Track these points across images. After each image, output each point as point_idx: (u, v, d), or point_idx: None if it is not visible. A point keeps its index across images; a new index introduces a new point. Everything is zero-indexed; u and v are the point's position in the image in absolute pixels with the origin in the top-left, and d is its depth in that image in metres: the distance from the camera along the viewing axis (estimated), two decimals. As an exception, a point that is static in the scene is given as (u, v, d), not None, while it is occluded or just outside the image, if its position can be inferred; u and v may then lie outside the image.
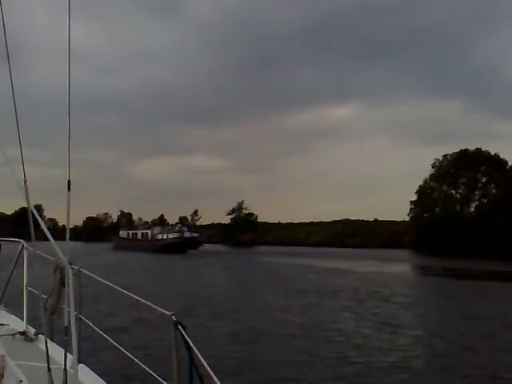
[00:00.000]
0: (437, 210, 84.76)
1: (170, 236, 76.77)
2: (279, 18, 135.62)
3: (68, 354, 3.10)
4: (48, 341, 3.49)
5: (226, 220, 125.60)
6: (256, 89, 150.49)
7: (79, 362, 3.71)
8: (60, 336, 3.52)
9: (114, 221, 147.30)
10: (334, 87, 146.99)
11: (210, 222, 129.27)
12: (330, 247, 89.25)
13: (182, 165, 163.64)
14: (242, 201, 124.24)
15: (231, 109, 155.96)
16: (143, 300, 3.96)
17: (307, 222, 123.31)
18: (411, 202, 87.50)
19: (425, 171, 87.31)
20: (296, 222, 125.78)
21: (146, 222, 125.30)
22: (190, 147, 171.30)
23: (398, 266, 49.66)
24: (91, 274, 4.63)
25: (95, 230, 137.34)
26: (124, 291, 4.31)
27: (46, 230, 3.21)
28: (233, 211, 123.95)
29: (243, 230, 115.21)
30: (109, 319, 15.33)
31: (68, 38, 3.03)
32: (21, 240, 5.69)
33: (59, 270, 3.60)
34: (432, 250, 69.52)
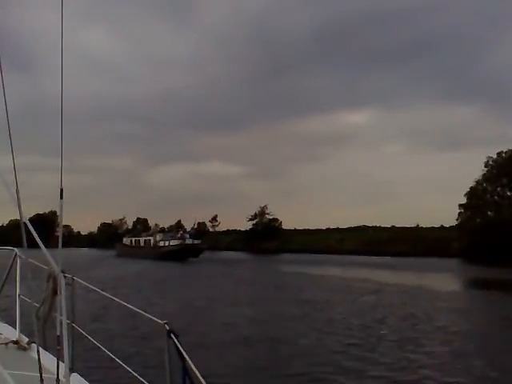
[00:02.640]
0: (489, 213, 73.95)
1: (172, 243, 75.20)
2: (293, 24, 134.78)
3: (61, 363, 3.18)
4: (41, 350, 3.54)
5: (245, 226, 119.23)
6: (270, 95, 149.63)
7: (72, 371, 3.89)
8: (53, 345, 3.55)
9: (130, 227, 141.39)
10: (349, 93, 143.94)
11: (226, 229, 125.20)
12: (365, 255, 79.21)
13: (197, 171, 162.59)
14: (265, 206, 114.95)
15: (246, 115, 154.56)
16: (136, 309, 3.97)
17: (333, 227, 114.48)
18: (460, 205, 76.85)
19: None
20: (319, 228, 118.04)
21: (163, 228, 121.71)
22: (204, 154, 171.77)
23: (449, 278, 42.46)
24: (84, 283, 4.63)
25: (110, 237, 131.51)
26: (117, 300, 4.34)
27: (37, 239, 3.23)
28: (255, 217, 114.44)
29: (266, 237, 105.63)
30: (102, 328, 15.33)
31: (61, 44, 3.12)
32: (14, 248, 5.62)
33: (52, 278, 3.56)
34: (485, 259, 59.24)
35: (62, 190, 3.10)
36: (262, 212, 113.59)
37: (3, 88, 3.07)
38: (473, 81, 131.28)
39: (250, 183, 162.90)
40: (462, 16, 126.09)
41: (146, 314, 3.71)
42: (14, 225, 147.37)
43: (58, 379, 3.13)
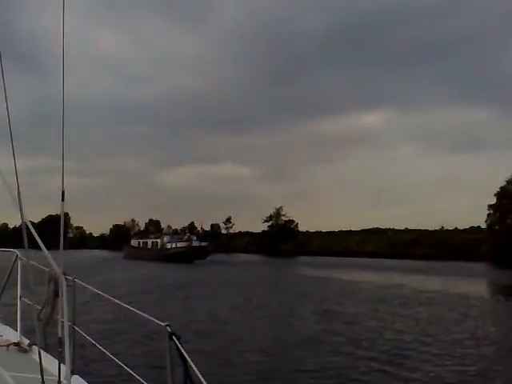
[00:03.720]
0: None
1: (179, 245, 74.52)
2: (305, 25, 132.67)
3: (62, 366, 3.19)
4: (42, 352, 3.50)
5: (259, 228, 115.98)
6: (283, 96, 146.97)
7: (73, 373, 3.83)
8: (54, 347, 3.51)
9: (142, 228, 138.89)
10: (362, 94, 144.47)
11: (239, 231, 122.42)
12: (387, 258, 75.14)
13: (209, 173, 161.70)
14: (281, 207, 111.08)
15: (258, 117, 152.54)
16: (138, 311, 3.94)
17: (348, 229, 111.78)
18: (489, 206, 72.36)
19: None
20: (333, 230, 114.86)
21: (176, 230, 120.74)
22: (217, 155, 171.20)
23: (490, 286, 38.81)
24: (86, 285, 4.54)
25: (122, 238, 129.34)
26: (119, 302, 4.30)
27: (39, 241, 3.24)
28: (270, 218, 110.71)
29: (282, 239, 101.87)
30: (104, 330, 15.12)
31: (62, 45, 3.21)
32: (15, 250, 5.60)
33: (53, 280, 3.59)
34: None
35: (63, 192, 3.19)
36: (278, 213, 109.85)
37: (4, 89, 3.12)
38: (488, 82, 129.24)
39: (263, 185, 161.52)
40: (478, 17, 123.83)
41: (148, 316, 3.64)
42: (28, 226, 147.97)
43: (59, 381, 3.18)
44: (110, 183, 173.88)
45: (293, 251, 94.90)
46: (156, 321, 3.38)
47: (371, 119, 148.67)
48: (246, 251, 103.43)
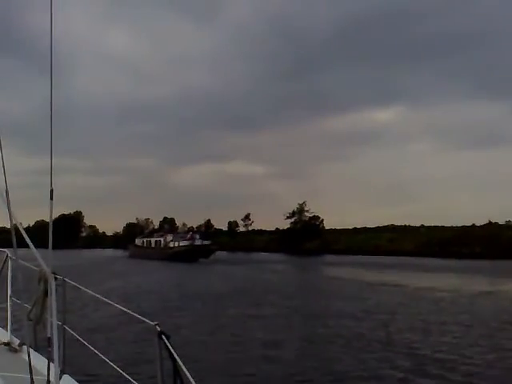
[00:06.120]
0: None
1: (182, 244, 73.75)
2: (317, 21, 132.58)
3: (52, 365, 3.20)
4: (32, 352, 3.58)
5: (276, 226, 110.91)
6: (295, 93, 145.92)
7: (64, 373, 4.04)
8: (45, 347, 3.44)
9: (156, 227, 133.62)
10: (375, 91, 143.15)
11: (252, 228, 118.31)
12: (425, 257, 67.35)
13: (222, 171, 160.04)
14: (304, 202, 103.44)
15: (270, 114, 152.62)
16: (128, 310, 3.90)
17: (368, 227, 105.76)
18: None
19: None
20: (352, 227, 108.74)
21: (191, 228, 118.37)
22: (229, 153, 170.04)
23: None
24: (76, 285, 4.48)
25: (135, 237, 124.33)
26: (109, 302, 4.25)
27: (28, 240, 3.21)
28: (293, 214, 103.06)
29: (305, 237, 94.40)
30: (94, 329, 14.96)
31: (50, 48, 3.12)
32: (5, 250, 5.63)
33: (43, 280, 3.53)
34: None
35: (51, 191, 3.16)
36: (301, 209, 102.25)
37: None
38: (501, 78, 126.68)
39: (276, 183, 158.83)
40: (491, 13, 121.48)
41: (138, 316, 3.61)
42: (41, 226, 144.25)
43: (48, 381, 3.19)
44: (124, 182, 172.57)
45: (318, 250, 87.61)
46: (146, 320, 3.32)
47: (385, 115, 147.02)
48: (266, 250, 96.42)
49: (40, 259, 3.27)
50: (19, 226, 3.28)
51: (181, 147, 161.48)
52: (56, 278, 3.52)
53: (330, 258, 73.39)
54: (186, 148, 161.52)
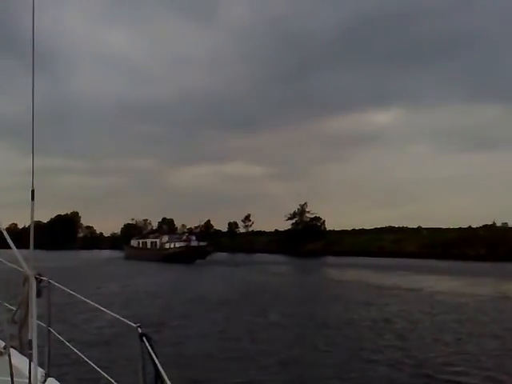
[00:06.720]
0: None
1: (177, 245, 72.48)
2: (316, 22, 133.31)
3: (39, 368, 3.32)
4: (17, 354, 3.59)
5: (275, 227, 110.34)
6: (294, 95, 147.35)
7: (49, 376, 3.90)
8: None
9: (155, 227, 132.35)
10: (373, 92, 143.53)
11: (252, 230, 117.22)
12: (429, 259, 66.30)
13: (222, 172, 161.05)
14: (305, 203, 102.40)
15: (269, 115, 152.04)
16: (110, 312, 3.84)
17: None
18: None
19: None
20: (351, 228, 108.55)
21: (190, 229, 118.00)
22: (229, 155, 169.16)
23: None
24: (61, 286, 4.33)
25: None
26: (93, 303, 4.18)
27: (9, 240, 3.20)
28: (293, 215, 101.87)
29: (307, 238, 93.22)
30: (79, 331, 15.06)
31: (32, 47, 3.24)
32: None
33: (28, 281, 3.50)
34: None
35: (33, 191, 3.14)
36: (303, 210, 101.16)
37: None
38: (499, 81, 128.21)
39: (276, 184, 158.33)
40: (490, 15, 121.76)
41: (120, 317, 3.56)
42: (35, 227, 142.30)
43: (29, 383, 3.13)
44: (122, 183, 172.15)
45: (320, 251, 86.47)
46: (127, 322, 3.28)
47: (385, 117, 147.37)
48: (266, 251, 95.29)
49: (22, 261, 3.23)
50: (1, 227, 3.24)
51: (180, 148, 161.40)
52: (41, 280, 3.54)
53: (332, 259, 72.42)
54: (186, 149, 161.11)
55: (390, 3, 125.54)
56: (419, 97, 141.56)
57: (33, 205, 3.14)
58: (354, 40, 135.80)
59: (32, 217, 3.13)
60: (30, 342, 3.10)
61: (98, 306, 4.06)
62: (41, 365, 3.31)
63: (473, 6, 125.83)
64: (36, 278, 3.51)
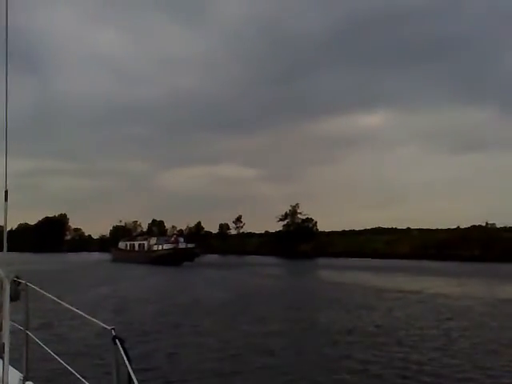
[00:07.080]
0: None
1: (165, 247, 71.76)
2: (306, 25, 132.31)
3: (17, 372, 3.40)
4: None
5: (266, 229, 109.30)
6: (285, 96, 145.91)
7: (27, 379, 3.91)
8: (12, 354, 3.39)
9: (145, 229, 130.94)
10: (363, 94, 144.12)
11: (243, 231, 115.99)
12: (422, 260, 65.85)
13: (213, 174, 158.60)
14: (297, 204, 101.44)
15: (260, 117, 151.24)
16: (85, 314, 3.74)
17: (357, 229, 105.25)
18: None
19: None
20: (341, 229, 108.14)
21: (180, 231, 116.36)
22: (220, 156, 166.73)
23: None
24: (38, 289, 4.28)
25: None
26: (68, 306, 4.11)
27: None
28: (285, 217, 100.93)
29: (299, 239, 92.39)
30: (56, 334, 15.08)
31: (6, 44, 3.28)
32: None
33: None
34: None
35: (6, 192, 3.10)
36: (294, 212, 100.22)
37: None
38: (488, 82, 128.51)
39: (267, 186, 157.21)
40: (477, 17, 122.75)
41: (94, 320, 3.52)
42: (24, 229, 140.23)
43: None
44: (113, 185, 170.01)
45: (312, 252, 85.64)
46: (102, 324, 3.25)
47: (373, 119, 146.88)
48: (257, 253, 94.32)
49: None
50: None
51: (171, 149, 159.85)
52: (19, 283, 3.65)
53: (326, 260, 71.51)
54: (177, 150, 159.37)
55: (377, 6, 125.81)
56: (407, 99, 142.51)
57: (6, 206, 3.11)
58: (343, 42, 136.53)
59: (5, 218, 3.11)
60: (3, 345, 3.08)
61: (73, 308, 4.02)
62: (19, 368, 3.28)
63: (460, 9, 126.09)
64: (14, 281, 3.49)
